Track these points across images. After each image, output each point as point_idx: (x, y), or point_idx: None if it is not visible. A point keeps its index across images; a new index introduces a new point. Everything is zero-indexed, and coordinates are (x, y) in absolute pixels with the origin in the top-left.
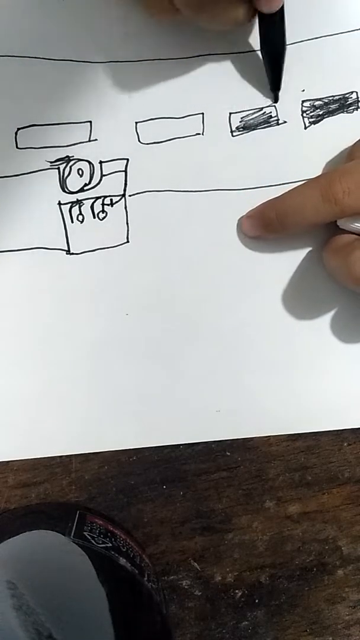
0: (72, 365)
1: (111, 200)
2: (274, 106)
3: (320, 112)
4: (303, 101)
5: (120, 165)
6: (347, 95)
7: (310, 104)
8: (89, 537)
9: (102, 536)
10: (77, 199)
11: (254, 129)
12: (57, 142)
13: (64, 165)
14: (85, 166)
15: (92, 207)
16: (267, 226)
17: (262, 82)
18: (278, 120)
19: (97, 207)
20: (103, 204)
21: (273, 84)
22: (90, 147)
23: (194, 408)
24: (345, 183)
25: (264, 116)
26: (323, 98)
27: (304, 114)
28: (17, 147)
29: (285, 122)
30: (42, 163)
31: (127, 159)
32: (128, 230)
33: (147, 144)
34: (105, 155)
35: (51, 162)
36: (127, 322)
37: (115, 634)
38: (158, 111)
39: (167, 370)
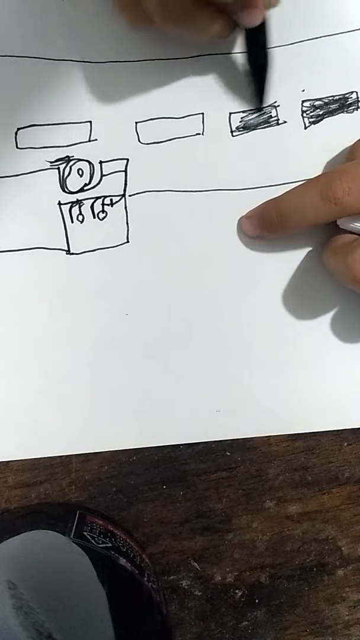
0: (72, 365)
1: (111, 200)
2: (274, 106)
3: (320, 112)
4: (303, 101)
5: (120, 165)
6: (347, 95)
7: (310, 104)
8: (89, 537)
9: (102, 536)
10: (77, 199)
11: (254, 129)
12: (57, 142)
13: (64, 165)
14: (85, 166)
15: (92, 207)
16: (267, 226)
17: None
18: (278, 120)
19: (97, 207)
20: (103, 204)
21: (257, 96)
22: (90, 147)
23: (194, 408)
24: (345, 183)
25: (264, 116)
26: (323, 98)
27: (304, 114)
28: (17, 147)
29: (285, 122)
30: (42, 163)
31: (127, 159)
32: (128, 230)
33: (147, 144)
34: (105, 155)
35: (51, 162)
36: (127, 322)
37: (115, 633)
38: (158, 111)
39: (167, 370)
